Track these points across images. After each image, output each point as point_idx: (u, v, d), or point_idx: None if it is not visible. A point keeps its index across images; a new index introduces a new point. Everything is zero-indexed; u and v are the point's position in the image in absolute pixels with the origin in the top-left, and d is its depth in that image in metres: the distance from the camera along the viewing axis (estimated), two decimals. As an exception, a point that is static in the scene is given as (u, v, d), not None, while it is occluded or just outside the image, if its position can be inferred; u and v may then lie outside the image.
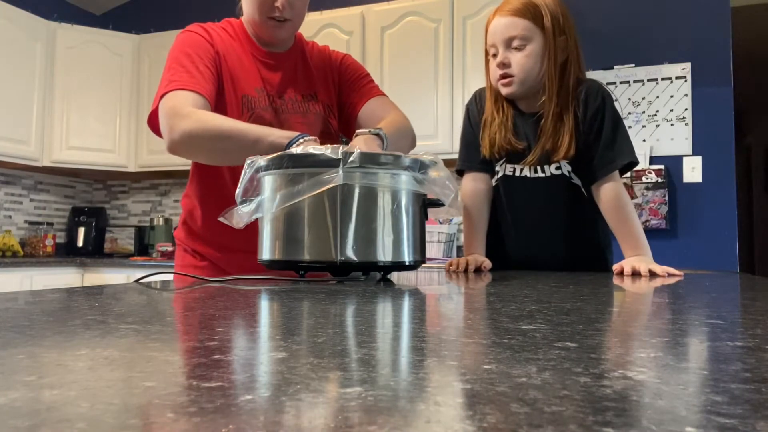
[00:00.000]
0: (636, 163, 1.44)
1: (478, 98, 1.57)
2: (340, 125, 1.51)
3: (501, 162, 1.50)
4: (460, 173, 1.59)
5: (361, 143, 1.19)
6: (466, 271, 1.40)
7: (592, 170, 1.43)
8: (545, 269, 1.45)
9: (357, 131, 1.26)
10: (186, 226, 1.48)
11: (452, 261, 1.45)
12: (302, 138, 1.16)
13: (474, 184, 1.53)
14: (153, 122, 1.36)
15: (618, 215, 1.40)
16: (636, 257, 1.35)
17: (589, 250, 1.52)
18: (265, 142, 1.17)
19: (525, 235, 1.53)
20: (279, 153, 1.01)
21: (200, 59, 1.31)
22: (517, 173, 1.49)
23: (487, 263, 1.43)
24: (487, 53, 1.47)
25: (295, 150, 1.00)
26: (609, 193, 1.41)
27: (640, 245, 1.38)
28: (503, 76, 1.42)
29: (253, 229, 1.13)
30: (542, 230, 1.51)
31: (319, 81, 1.46)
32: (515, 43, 1.39)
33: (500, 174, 1.51)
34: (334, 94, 1.49)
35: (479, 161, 1.52)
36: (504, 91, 1.44)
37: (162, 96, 1.28)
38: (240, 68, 1.37)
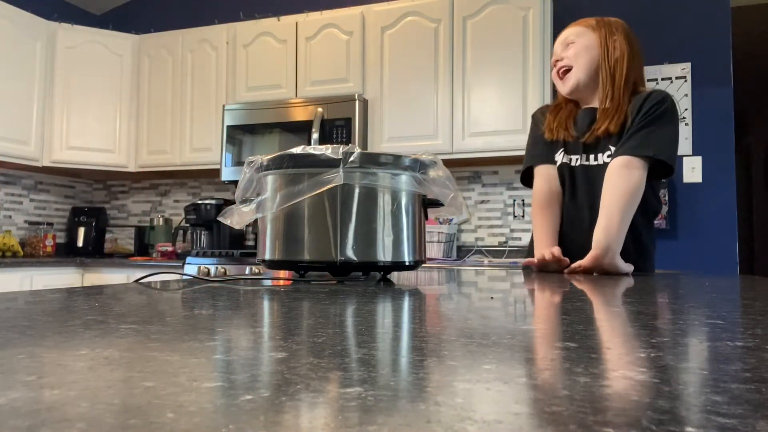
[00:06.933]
0: (668, 165, 1.48)
1: (543, 109, 1.74)
2: None
3: (560, 151, 1.62)
4: (525, 181, 1.71)
5: None
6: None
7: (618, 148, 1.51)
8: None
9: None
10: None
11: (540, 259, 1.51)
12: None
13: (547, 184, 1.63)
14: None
15: (609, 188, 1.46)
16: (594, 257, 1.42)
17: (631, 245, 1.54)
18: None
19: (571, 224, 1.60)
20: (279, 153, 1.01)
21: None
22: (573, 162, 1.60)
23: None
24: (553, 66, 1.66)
25: (296, 150, 1.00)
26: (614, 164, 1.47)
27: (607, 233, 1.42)
28: (562, 72, 1.61)
29: None
30: (586, 220, 1.57)
31: None
32: (569, 40, 1.61)
33: (558, 163, 1.63)
34: None
35: (546, 153, 1.64)
36: (563, 88, 1.61)
37: None
38: None
